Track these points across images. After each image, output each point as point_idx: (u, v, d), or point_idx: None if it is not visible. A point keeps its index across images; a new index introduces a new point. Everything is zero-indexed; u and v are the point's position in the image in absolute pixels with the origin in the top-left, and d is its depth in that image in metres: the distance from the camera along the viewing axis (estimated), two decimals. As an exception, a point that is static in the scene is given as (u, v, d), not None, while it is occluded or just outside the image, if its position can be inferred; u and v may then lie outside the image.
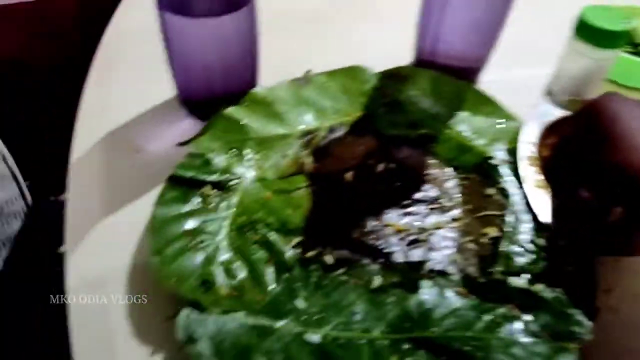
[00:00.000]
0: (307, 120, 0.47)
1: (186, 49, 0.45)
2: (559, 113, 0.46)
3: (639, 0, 0.60)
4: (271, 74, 0.50)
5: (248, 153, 0.43)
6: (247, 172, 0.42)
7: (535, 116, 0.46)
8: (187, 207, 0.39)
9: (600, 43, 0.43)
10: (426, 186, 0.43)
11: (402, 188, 0.43)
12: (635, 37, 0.58)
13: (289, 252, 0.38)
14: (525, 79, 0.53)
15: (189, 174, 0.40)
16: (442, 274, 0.37)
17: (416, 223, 0.40)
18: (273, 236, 0.38)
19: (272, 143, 0.45)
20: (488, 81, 0.55)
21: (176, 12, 0.42)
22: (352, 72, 0.51)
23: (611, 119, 0.36)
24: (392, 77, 0.51)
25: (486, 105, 0.49)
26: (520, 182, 0.42)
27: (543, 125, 0.45)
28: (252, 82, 0.50)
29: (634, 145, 0.34)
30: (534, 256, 0.37)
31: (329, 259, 0.37)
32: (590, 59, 0.45)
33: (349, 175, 0.43)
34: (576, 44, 0.45)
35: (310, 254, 0.38)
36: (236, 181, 0.41)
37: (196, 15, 0.42)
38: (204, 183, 0.40)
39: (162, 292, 0.35)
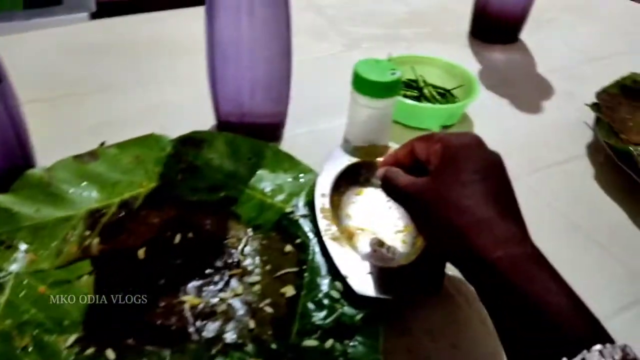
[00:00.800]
0: (95, 198, 0.44)
1: None
2: (349, 160, 0.48)
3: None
4: (57, 151, 0.46)
5: (18, 244, 0.39)
6: (15, 267, 0.38)
7: (327, 167, 0.47)
8: None
9: (375, 94, 0.46)
10: (226, 252, 0.42)
11: (200, 258, 0.41)
12: (419, 82, 0.63)
13: (65, 353, 0.34)
14: (329, 130, 0.55)
15: (-63, 280, 0.35)
16: (238, 346, 0.35)
17: (214, 294, 0.38)
18: (46, 337, 0.34)
19: (51, 229, 0.41)
20: (294, 135, 0.56)
21: None
22: (146, 141, 0.49)
23: (452, 180, 0.34)
24: (188, 142, 0.49)
25: (285, 161, 0.49)
26: (318, 235, 0.42)
27: (334, 175, 0.46)
28: (24, 163, 0.45)
29: (458, 205, 0.33)
30: (327, 311, 0.37)
31: (110, 353, 0.34)
32: (371, 108, 0.47)
33: (141, 252, 0.41)
34: (356, 95, 0.47)
35: (89, 351, 0.34)
36: (0, 280, 0.36)
37: None
38: (-44, 289, 0.35)
39: None
